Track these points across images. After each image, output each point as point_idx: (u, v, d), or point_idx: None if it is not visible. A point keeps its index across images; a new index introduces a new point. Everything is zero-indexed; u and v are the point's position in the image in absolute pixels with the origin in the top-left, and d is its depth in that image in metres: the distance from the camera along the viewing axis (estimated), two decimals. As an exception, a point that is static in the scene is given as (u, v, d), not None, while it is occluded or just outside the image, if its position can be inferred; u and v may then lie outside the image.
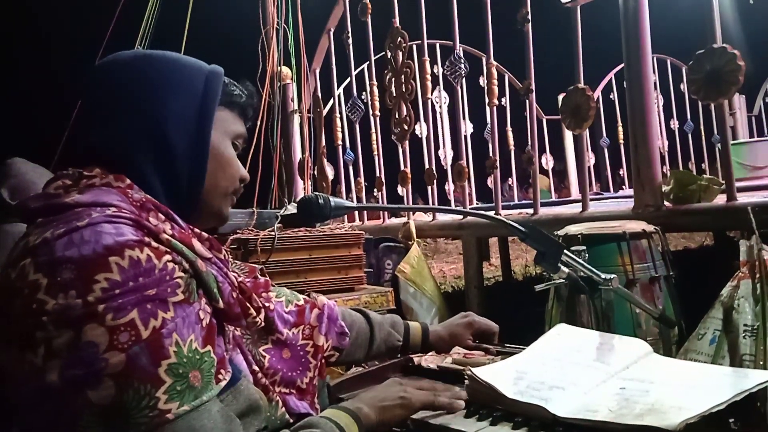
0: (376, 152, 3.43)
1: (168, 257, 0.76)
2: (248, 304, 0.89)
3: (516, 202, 4.69)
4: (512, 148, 4.64)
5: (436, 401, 0.95)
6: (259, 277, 1.10)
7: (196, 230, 0.90)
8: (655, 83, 4.30)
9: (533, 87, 2.52)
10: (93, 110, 0.90)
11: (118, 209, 0.77)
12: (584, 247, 1.26)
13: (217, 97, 0.93)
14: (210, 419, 0.73)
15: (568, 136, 5.15)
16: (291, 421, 0.97)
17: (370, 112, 3.36)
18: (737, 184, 1.97)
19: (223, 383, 0.78)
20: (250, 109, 1.01)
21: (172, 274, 0.75)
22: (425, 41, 3.03)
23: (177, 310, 0.74)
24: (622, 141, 4.95)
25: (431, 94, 3.17)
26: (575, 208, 2.48)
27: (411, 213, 3.03)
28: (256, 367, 0.96)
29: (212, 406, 0.74)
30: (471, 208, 3.17)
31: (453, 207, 3.66)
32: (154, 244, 0.76)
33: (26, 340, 0.69)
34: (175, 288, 0.75)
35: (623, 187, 5.33)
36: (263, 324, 0.97)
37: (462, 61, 2.82)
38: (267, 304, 1.05)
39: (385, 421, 0.91)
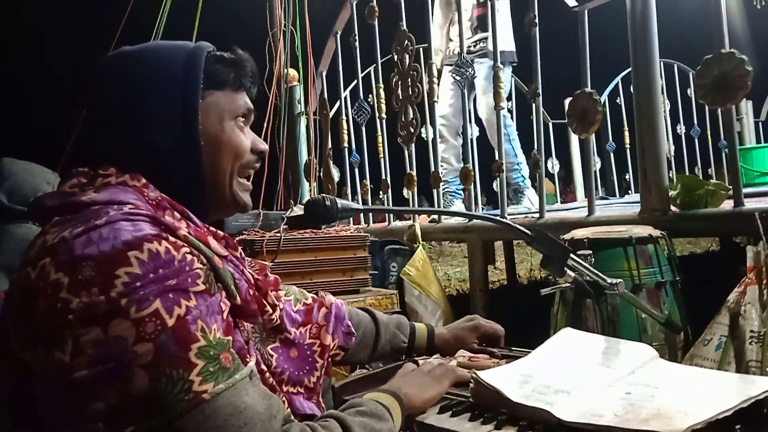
0: (382, 155, 3.43)
1: (186, 249, 0.77)
2: (264, 302, 0.89)
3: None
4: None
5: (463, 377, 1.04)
6: (269, 274, 1.10)
7: (212, 229, 0.90)
8: (662, 88, 4.28)
9: (540, 91, 2.51)
10: (89, 117, 0.89)
11: (134, 207, 0.78)
12: (590, 252, 1.26)
13: (197, 88, 0.88)
14: (249, 395, 0.74)
15: (575, 140, 5.14)
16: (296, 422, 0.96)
17: (377, 114, 3.36)
18: (744, 190, 1.97)
19: (251, 364, 0.79)
20: (246, 78, 0.95)
21: (192, 265, 0.76)
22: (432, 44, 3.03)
23: (199, 299, 0.74)
24: (628, 145, 4.93)
25: (437, 98, 3.17)
26: (581, 212, 2.47)
27: (416, 216, 3.03)
28: (264, 367, 0.96)
29: (247, 384, 0.75)
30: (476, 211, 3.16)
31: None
32: (171, 238, 0.76)
33: (53, 338, 0.70)
34: (195, 278, 0.75)
35: (629, 191, 5.31)
36: (278, 322, 0.97)
37: (469, 64, 2.82)
38: (277, 303, 1.05)
39: (424, 404, 0.96)
